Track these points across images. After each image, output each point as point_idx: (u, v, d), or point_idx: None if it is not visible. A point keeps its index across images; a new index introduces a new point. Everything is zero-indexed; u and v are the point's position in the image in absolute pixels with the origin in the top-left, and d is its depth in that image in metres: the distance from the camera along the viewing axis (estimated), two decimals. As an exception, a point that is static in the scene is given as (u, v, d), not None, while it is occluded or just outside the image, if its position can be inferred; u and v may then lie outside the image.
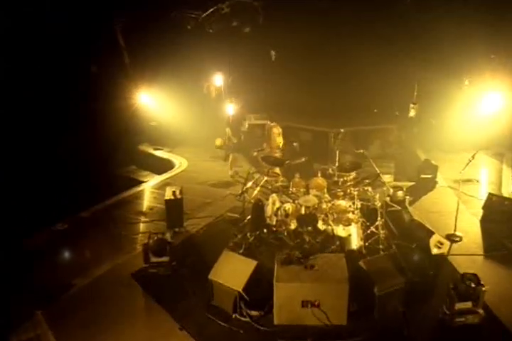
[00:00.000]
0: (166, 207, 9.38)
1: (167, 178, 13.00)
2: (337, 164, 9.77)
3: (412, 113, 11.28)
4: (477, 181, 11.87)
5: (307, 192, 9.16)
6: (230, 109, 12.34)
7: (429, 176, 11.83)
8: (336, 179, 9.29)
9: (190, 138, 16.12)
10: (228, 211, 10.34)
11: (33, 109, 15.39)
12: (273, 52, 21.48)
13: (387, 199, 9.65)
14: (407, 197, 9.75)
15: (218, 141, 14.91)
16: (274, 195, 8.92)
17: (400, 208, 9.04)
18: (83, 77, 16.31)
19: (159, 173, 14.49)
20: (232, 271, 6.77)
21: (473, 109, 11.56)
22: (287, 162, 11.22)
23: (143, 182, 13.75)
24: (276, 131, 12.82)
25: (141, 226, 9.89)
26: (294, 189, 9.17)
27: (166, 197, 9.36)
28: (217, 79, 15.67)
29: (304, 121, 16.74)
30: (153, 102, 16.09)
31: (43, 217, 10.40)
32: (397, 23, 15.94)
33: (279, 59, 19.24)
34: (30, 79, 15.24)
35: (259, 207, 8.83)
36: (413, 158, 13.95)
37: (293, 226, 8.74)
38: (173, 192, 9.43)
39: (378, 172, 8.99)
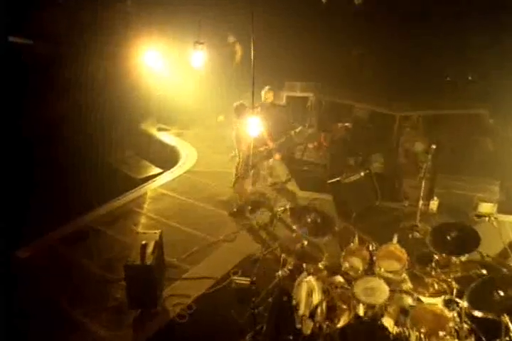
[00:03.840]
0: (126, 277, 5.58)
1: (161, 186, 9.15)
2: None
3: None
4: None
5: (371, 270, 5.19)
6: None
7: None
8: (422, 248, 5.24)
9: (207, 116, 12.08)
10: (238, 268, 6.51)
11: None
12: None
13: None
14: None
15: (220, 118, 11.45)
16: (310, 278, 4.94)
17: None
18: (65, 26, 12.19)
19: (159, 165, 10.84)
20: None
21: None
22: (335, 179, 7.37)
23: (134, 180, 10.14)
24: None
25: (97, 294, 6.18)
26: (347, 263, 5.18)
27: (128, 262, 5.54)
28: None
29: (361, 98, 12.44)
30: (162, 64, 12.01)
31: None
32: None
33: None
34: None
35: (283, 304, 4.92)
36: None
37: (342, 322, 4.92)
38: (143, 248, 5.61)
39: None
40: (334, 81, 13.14)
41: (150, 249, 5.66)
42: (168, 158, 10.97)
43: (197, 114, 11.98)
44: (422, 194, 6.80)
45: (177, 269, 6.58)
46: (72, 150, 10.44)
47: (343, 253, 5.22)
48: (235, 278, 6.13)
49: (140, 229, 7.62)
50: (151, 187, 9.05)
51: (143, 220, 7.90)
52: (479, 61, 12.04)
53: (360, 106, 12.27)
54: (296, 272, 5.03)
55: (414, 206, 7.79)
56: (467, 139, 10.23)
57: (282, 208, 5.53)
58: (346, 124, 11.88)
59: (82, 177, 9.49)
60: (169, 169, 10.22)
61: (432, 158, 6.34)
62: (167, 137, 11.67)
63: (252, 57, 5.47)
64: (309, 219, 5.01)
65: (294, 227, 5.01)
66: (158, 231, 6.13)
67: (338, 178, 7.67)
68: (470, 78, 13.21)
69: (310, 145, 11.46)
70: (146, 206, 8.36)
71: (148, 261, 5.50)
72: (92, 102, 12.35)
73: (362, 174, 7.90)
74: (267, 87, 8.60)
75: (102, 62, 12.65)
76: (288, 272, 4.95)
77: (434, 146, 6.28)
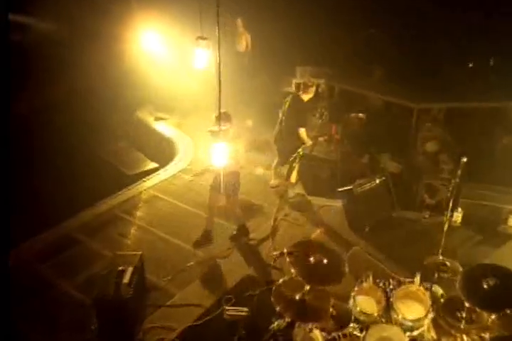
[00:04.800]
0: (96, 312, 4.76)
1: (153, 186, 8.27)
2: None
3: None
4: None
5: (387, 315, 4.30)
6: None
7: None
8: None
9: (208, 105, 11.04)
10: (231, 293, 5.67)
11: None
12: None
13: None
14: None
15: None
16: (313, 330, 4.04)
17: None
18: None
19: (154, 159, 10.04)
20: None
21: None
22: (347, 188, 6.49)
23: (126, 176, 9.36)
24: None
25: (70, 323, 5.35)
26: (359, 307, 4.28)
27: (99, 294, 4.72)
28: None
29: (375, 86, 11.42)
30: (162, 48, 10.99)
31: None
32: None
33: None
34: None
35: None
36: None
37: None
38: (118, 277, 4.77)
39: None
40: (347, 66, 12.12)
41: (127, 278, 4.83)
42: (163, 152, 10.11)
43: (198, 102, 10.98)
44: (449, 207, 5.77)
45: (162, 293, 5.74)
46: (56, 141, 9.59)
47: (354, 293, 4.33)
48: (228, 308, 5.31)
49: (126, 240, 6.84)
50: (141, 189, 8.15)
51: (129, 229, 7.06)
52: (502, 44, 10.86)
53: (374, 97, 11.26)
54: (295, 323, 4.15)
55: (435, 216, 6.96)
56: (493, 138, 9.15)
57: (277, 253, 4.56)
58: (360, 115, 10.83)
59: (66, 174, 8.69)
60: (164, 163, 9.37)
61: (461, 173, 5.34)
62: (164, 127, 10.72)
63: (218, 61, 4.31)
64: (312, 259, 4.07)
65: (293, 271, 4.09)
66: (138, 254, 5.30)
67: (350, 186, 6.75)
68: (492, 63, 12.09)
69: (321, 139, 10.47)
70: (134, 211, 7.50)
71: (124, 294, 4.66)
72: (84, 88, 11.47)
73: (377, 181, 6.96)
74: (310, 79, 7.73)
75: (96, 45, 11.67)
76: (285, 324, 4.09)
77: (464, 159, 5.28)
